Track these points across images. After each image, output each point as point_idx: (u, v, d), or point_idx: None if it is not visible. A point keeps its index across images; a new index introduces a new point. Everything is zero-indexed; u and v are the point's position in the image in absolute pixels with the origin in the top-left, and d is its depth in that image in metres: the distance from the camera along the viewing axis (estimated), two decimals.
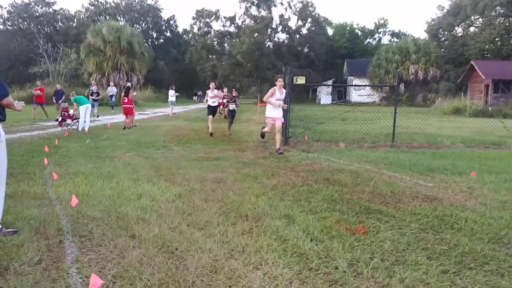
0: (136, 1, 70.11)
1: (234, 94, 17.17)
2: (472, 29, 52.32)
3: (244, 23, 55.93)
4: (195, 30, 59.17)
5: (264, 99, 9.91)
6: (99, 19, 58.01)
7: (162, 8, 77.01)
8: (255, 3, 55.84)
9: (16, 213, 4.47)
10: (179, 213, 4.67)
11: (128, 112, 15.31)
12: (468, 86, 38.39)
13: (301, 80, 13.35)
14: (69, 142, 10.71)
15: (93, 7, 67.44)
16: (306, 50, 57.36)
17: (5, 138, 4.02)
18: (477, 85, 36.13)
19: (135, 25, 63.75)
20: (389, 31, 73.41)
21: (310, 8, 55.59)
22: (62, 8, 66.09)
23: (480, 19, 50.48)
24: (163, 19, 73.24)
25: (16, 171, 6.73)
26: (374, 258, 3.51)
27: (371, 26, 73.87)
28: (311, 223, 4.36)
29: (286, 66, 14.06)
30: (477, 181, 6.72)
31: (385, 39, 71.75)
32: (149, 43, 66.98)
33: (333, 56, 63.85)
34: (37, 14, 62.54)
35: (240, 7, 73.88)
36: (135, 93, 16.67)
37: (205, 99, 13.78)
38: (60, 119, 15.03)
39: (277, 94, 9.77)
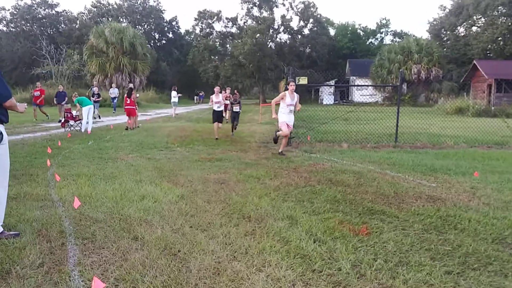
0: (139, 3, 70.30)
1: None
2: (474, 28, 52.19)
3: (246, 24, 55.94)
4: (197, 31, 59.26)
5: (272, 102, 9.69)
6: (101, 21, 58.28)
7: (164, 10, 76.99)
8: (257, 4, 55.87)
9: (18, 215, 4.47)
10: (182, 214, 4.66)
11: (130, 113, 15.33)
12: (471, 86, 38.30)
13: (303, 81, 13.34)
14: (72, 144, 10.73)
15: (95, 9, 67.70)
16: (308, 50, 57.33)
17: (8, 140, 4.02)
18: (480, 84, 36.03)
19: (137, 26, 63.86)
20: (391, 31, 73.42)
21: (312, 9, 55.57)
22: (64, 10, 66.45)
23: (483, 19, 50.36)
24: (165, 21, 73.40)
25: (19, 173, 6.74)
26: (378, 259, 3.49)
27: (373, 26, 73.94)
28: (314, 224, 4.35)
29: (288, 66, 13.97)
30: (480, 181, 6.69)
31: (387, 39, 71.76)
32: (152, 44, 67.10)
33: (335, 56, 63.83)
34: (40, 16, 62.82)
35: (242, 8, 73.99)
36: (137, 94, 16.67)
37: (211, 103, 13.43)
38: (63, 120, 15.07)
39: (287, 99, 9.31)
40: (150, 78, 46.59)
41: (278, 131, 9.78)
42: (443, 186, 6.39)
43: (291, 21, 55.49)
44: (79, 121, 14.58)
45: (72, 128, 14.46)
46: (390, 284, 3.08)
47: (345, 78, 53.25)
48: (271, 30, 54.26)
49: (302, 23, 56.15)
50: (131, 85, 17.00)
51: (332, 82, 46.01)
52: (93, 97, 20.84)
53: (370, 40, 73.02)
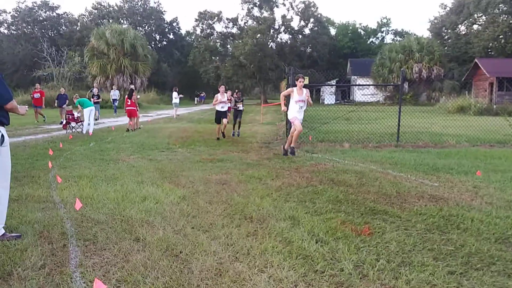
0: (139, 4, 70.44)
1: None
2: (475, 27, 52.11)
3: (246, 24, 55.95)
4: (198, 32, 59.28)
5: (281, 95, 9.45)
6: (102, 23, 58.38)
7: (164, 11, 77.25)
8: (257, 4, 55.87)
9: (20, 217, 4.47)
10: (184, 215, 4.65)
11: (131, 114, 15.34)
12: (473, 84, 38.22)
13: (304, 81, 13.31)
14: (73, 145, 10.74)
15: (96, 11, 67.82)
16: (309, 50, 57.32)
17: (9, 142, 4.03)
18: (482, 83, 35.96)
19: (138, 28, 64.02)
20: (392, 30, 73.33)
21: (312, 8, 55.55)
22: (65, 12, 66.71)
23: (484, 17, 50.27)
24: (166, 22, 73.50)
25: (20, 175, 6.75)
26: (380, 259, 3.47)
27: (374, 25, 73.88)
28: (316, 224, 4.33)
29: (289, 66, 13.88)
30: (483, 180, 6.67)
31: (388, 38, 71.71)
32: (152, 46, 67.18)
33: (336, 56, 63.80)
34: (40, 18, 63.00)
35: (243, 9, 73.92)
36: (138, 95, 16.66)
37: (215, 102, 12.58)
38: (64, 122, 15.09)
39: (295, 96, 8.84)
40: (151, 79, 46.66)
41: (285, 144, 9.49)
42: (445, 185, 6.37)
43: (292, 21, 55.55)
44: (80, 123, 14.60)
45: (73, 130, 14.48)
46: (392, 284, 3.07)
47: (346, 78, 53.25)
48: (271, 30, 54.26)
49: (302, 23, 56.16)
50: (132, 86, 17.01)
51: (333, 82, 45.96)
52: (92, 98, 20.86)
53: (371, 39, 72.98)
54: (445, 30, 56.58)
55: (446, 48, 52.32)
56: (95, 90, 22.30)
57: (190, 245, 3.76)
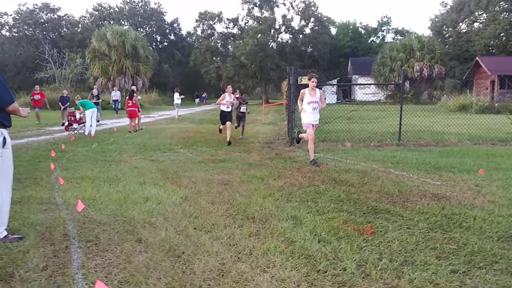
0: (140, 5, 70.53)
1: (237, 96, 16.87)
2: (476, 25, 51.95)
3: (247, 24, 55.90)
4: (199, 32, 59.26)
5: (299, 108, 8.54)
6: (103, 24, 58.45)
7: (165, 12, 77.35)
8: (257, 4, 55.81)
9: (22, 218, 4.48)
10: (186, 216, 4.65)
11: (132, 115, 15.34)
12: (474, 83, 38.11)
13: (305, 80, 13.30)
14: (75, 147, 10.75)
15: (97, 12, 67.92)
16: (309, 49, 57.23)
17: (12, 144, 4.03)
18: (483, 81, 35.86)
19: (139, 29, 64.12)
20: (393, 29, 73.17)
21: (313, 8, 55.47)
22: (66, 14, 66.65)
23: (484, 15, 50.12)
24: (166, 23, 73.58)
25: (23, 176, 6.76)
26: (383, 258, 3.47)
27: (374, 24, 73.71)
28: (319, 224, 4.33)
29: (290, 66, 13.83)
30: (485, 179, 6.66)
31: (389, 37, 71.56)
32: (153, 47, 67.28)
33: (337, 55, 63.72)
34: (42, 20, 63.11)
35: (243, 9, 73.78)
36: (139, 96, 16.65)
37: (220, 101, 12.41)
38: (66, 123, 15.11)
39: (307, 97, 8.25)
40: (152, 80, 46.72)
41: (300, 132, 9.04)
42: (447, 184, 6.36)
43: (292, 20, 55.44)
44: (82, 124, 14.62)
45: (75, 131, 14.50)
46: (395, 283, 3.06)
47: (347, 77, 53.17)
48: (272, 30, 54.19)
49: (303, 22, 56.06)
50: (133, 87, 17.04)
51: (335, 81, 45.93)
52: (92, 99, 20.85)
53: (371, 38, 72.85)
54: (446, 28, 56.43)
55: (447, 46, 52.19)
56: (94, 91, 22.31)
57: (193, 245, 3.76)
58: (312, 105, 8.23)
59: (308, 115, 8.33)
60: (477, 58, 36.63)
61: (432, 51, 43.05)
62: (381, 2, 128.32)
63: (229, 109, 12.17)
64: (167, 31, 74.40)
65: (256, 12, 56.26)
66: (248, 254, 3.59)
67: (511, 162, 8.26)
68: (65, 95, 19.51)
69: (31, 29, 62.29)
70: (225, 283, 3.07)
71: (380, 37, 72.74)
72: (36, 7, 62.78)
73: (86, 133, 14.04)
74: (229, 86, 12.58)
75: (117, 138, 13.07)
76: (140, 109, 16.77)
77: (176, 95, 24.71)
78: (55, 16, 64.69)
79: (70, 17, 66.55)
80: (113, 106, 27.90)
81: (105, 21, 63.76)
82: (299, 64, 46.39)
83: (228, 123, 11.85)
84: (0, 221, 3.87)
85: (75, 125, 14.63)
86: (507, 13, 46.97)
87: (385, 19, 72.92)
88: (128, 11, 68.76)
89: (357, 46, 67.66)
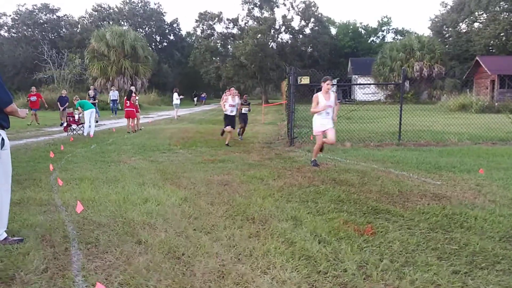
0: (139, 6, 70.51)
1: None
2: (476, 25, 51.93)
3: (247, 24, 55.87)
4: (198, 32, 59.21)
5: (312, 111, 7.93)
6: (102, 25, 58.44)
7: (165, 12, 77.36)
8: (257, 5, 55.79)
9: (22, 220, 4.46)
10: (185, 217, 4.64)
11: (129, 115, 15.32)
12: (474, 82, 38.09)
13: (305, 80, 13.30)
14: (74, 147, 10.73)
15: (96, 13, 67.90)
16: (309, 50, 57.22)
17: (11, 145, 4.02)
18: (483, 81, 35.85)
19: (138, 29, 64.03)
20: (393, 29, 73.20)
21: (313, 8, 55.45)
22: (65, 15, 66.58)
23: (484, 15, 50.10)
24: (166, 23, 73.55)
25: (22, 178, 6.74)
26: (384, 259, 3.45)
27: (374, 25, 73.73)
28: (319, 224, 4.31)
29: (290, 66, 13.77)
30: (485, 178, 6.64)
31: (389, 37, 71.56)
32: (153, 47, 67.22)
33: (337, 55, 63.72)
34: (41, 21, 63.08)
35: (243, 9, 73.72)
36: (137, 97, 16.61)
37: (223, 104, 11.75)
38: (65, 124, 15.09)
39: (321, 101, 7.76)
40: (151, 80, 46.68)
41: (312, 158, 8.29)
42: (448, 183, 6.35)
43: (292, 21, 55.42)
44: (81, 125, 14.60)
45: (74, 132, 14.48)
46: (396, 284, 3.05)
47: (347, 77, 53.14)
48: (272, 30, 54.17)
49: (303, 22, 56.05)
50: (132, 88, 17.01)
51: (334, 81, 45.91)
52: (89, 100, 20.79)
53: (371, 38, 72.85)
54: (446, 28, 56.42)
55: (447, 46, 52.17)
56: (91, 92, 22.24)
57: (192, 247, 3.74)
58: (326, 109, 7.79)
59: (321, 120, 7.86)
60: (477, 58, 36.62)
61: (432, 51, 43.04)
62: (381, 2, 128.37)
63: (234, 113, 11.79)
64: (167, 31, 74.38)
65: (256, 12, 56.27)
66: (248, 255, 3.58)
67: None
68: (63, 95, 19.45)
69: (30, 29, 62.24)
70: (225, 284, 3.05)
71: (380, 37, 72.78)
72: (35, 7, 62.77)
73: (85, 133, 14.02)
74: (232, 88, 12.16)
75: (116, 138, 13.06)
76: (139, 109, 16.77)
77: (175, 95, 24.70)
78: (54, 16, 64.65)
79: (69, 18, 66.55)
80: (111, 106, 27.84)
81: (105, 22, 63.77)
82: (299, 64, 46.31)
83: (228, 127, 11.49)
84: None
85: (74, 126, 14.61)
86: (507, 13, 46.97)
87: (385, 19, 72.98)
88: (127, 11, 68.72)
89: (357, 46, 67.67)
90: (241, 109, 13.02)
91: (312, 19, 55.87)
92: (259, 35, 51.79)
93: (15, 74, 55.93)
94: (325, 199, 5.41)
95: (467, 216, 4.60)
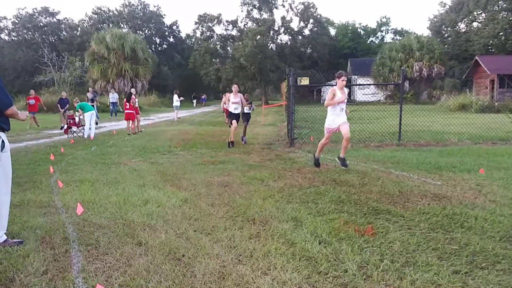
0: (139, 8, 70.58)
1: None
2: (475, 24, 51.95)
3: (246, 26, 55.96)
4: (198, 34, 59.27)
5: (326, 103, 7.58)
6: (102, 27, 58.49)
7: (164, 14, 77.30)
8: (256, 6, 55.87)
9: (22, 222, 4.46)
10: (186, 218, 4.64)
11: (129, 117, 15.33)
12: (473, 82, 38.09)
13: (305, 81, 13.32)
14: (75, 150, 10.74)
15: (96, 16, 68.01)
16: (309, 51, 57.26)
17: (11, 147, 4.02)
18: (483, 80, 35.85)
19: (138, 31, 64.14)
20: (392, 29, 73.22)
21: (312, 9, 55.49)
22: (65, 18, 66.86)
23: (483, 14, 50.12)
24: (165, 25, 73.62)
25: (22, 180, 6.75)
26: (384, 259, 3.45)
27: (373, 25, 73.85)
28: (319, 225, 4.31)
29: (290, 67, 13.75)
30: (486, 178, 6.64)
31: (388, 37, 71.61)
32: (153, 49, 67.31)
33: (336, 56, 63.74)
34: (41, 24, 63.19)
35: (242, 11, 74.03)
36: (136, 99, 16.60)
37: (223, 103, 11.90)
38: (65, 127, 15.10)
39: (337, 96, 7.50)
40: (152, 82, 46.71)
41: (315, 153, 8.07)
42: (448, 183, 6.34)
43: (291, 22, 55.48)
44: (81, 127, 14.60)
45: (74, 134, 14.49)
46: (397, 285, 3.04)
47: (346, 78, 53.13)
48: (271, 32, 54.23)
49: (302, 23, 56.11)
50: (132, 90, 17.02)
51: (334, 82, 45.92)
52: (88, 102, 20.78)
53: (370, 39, 72.89)
54: (445, 28, 56.45)
55: (446, 46, 52.17)
56: (89, 94, 22.22)
57: (193, 248, 3.74)
58: (341, 105, 7.53)
59: (335, 118, 7.54)
60: (476, 58, 36.63)
61: (431, 51, 43.04)
62: (380, 2, 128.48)
63: (238, 111, 11.52)
64: (166, 33, 74.45)
65: (255, 13, 56.37)
66: (248, 256, 3.58)
67: None
68: (63, 97, 19.41)
69: (30, 33, 62.37)
70: (226, 286, 3.05)
71: (379, 38, 72.83)
72: (35, 11, 62.94)
73: (86, 136, 14.02)
74: (235, 85, 11.90)
75: (117, 140, 13.06)
76: (139, 111, 16.78)
77: (175, 97, 24.74)
78: (55, 20, 64.77)
79: (69, 21, 66.71)
80: (111, 108, 27.83)
81: (104, 24, 63.85)
82: (298, 65, 46.35)
83: (234, 121, 11.37)
84: None
85: (74, 128, 14.61)
86: (506, 13, 46.99)
87: (384, 20, 73.01)
88: (127, 14, 68.80)
89: (356, 46, 67.70)
90: (243, 108, 12.57)
91: (311, 20, 55.94)
92: (258, 37, 51.86)
93: (16, 77, 56.05)
94: (326, 199, 5.41)
95: (467, 216, 4.60)
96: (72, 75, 40.22)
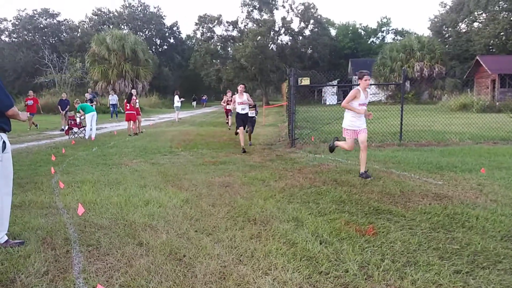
0: (139, 10, 70.69)
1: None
2: (476, 24, 51.94)
3: (246, 27, 56.03)
4: (198, 35, 59.39)
5: (343, 104, 7.01)
6: (102, 28, 58.59)
7: (165, 15, 77.63)
8: (257, 7, 55.94)
9: (23, 223, 4.46)
10: (187, 218, 4.64)
11: (130, 118, 15.35)
12: (474, 82, 38.05)
13: (305, 81, 13.33)
14: (76, 151, 10.74)
15: (96, 17, 68.11)
16: (309, 51, 57.32)
17: (12, 148, 4.02)
18: (484, 80, 35.82)
19: (138, 32, 64.23)
20: (393, 29, 73.22)
21: (312, 10, 55.55)
22: (66, 19, 66.85)
23: (484, 14, 50.11)
24: (166, 26, 73.73)
25: (23, 181, 6.75)
26: (385, 259, 3.45)
27: (374, 25, 73.77)
28: (320, 225, 4.31)
29: (290, 68, 13.73)
30: (487, 178, 6.63)
31: (389, 38, 71.60)
32: (153, 50, 67.39)
33: (337, 57, 63.77)
34: (41, 25, 63.30)
35: (242, 11, 73.89)
36: (137, 100, 16.60)
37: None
38: (66, 128, 15.11)
39: (361, 97, 6.98)
40: (152, 83, 46.74)
41: (337, 139, 7.65)
42: (449, 183, 6.34)
43: (292, 22, 55.54)
44: (82, 128, 14.61)
45: (76, 135, 14.50)
46: (398, 285, 3.04)
47: (347, 78, 53.15)
48: (272, 32, 54.30)
49: (302, 24, 56.17)
50: (133, 91, 17.03)
51: (335, 82, 45.95)
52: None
53: (371, 39, 72.88)
54: (446, 28, 56.43)
55: (447, 46, 52.17)
56: (87, 95, 22.19)
57: (194, 248, 3.74)
58: (363, 107, 7.00)
59: (355, 120, 6.99)
60: (477, 58, 36.59)
61: (432, 51, 43.03)
62: (380, 3, 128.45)
63: (245, 111, 10.92)
64: (167, 34, 74.54)
65: (255, 14, 56.45)
66: (249, 256, 3.57)
67: None
68: (64, 98, 19.38)
69: (30, 34, 62.49)
70: (226, 286, 3.05)
71: (380, 38, 72.83)
72: (35, 12, 63.03)
73: (87, 137, 14.03)
74: (241, 85, 11.22)
75: (118, 141, 13.07)
76: (140, 112, 16.79)
77: (176, 98, 24.78)
78: (55, 21, 64.88)
79: (69, 22, 66.78)
80: (111, 110, 27.83)
81: (105, 26, 63.91)
82: (299, 66, 46.40)
83: (241, 128, 10.79)
84: (0, 226, 3.85)
85: (75, 129, 14.63)
86: (507, 13, 46.97)
87: (385, 20, 73.02)
88: (127, 15, 68.92)
89: (357, 47, 67.70)
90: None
91: (312, 21, 56.00)
92: (259, 37, 51.91)
93: (16, 79, 56.15)
94: (327, 199, 5.41)
95: (468, 216, 4.59)
96: (73, 76, 40.27)
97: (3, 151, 3.81)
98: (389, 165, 8.04)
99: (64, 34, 65.19)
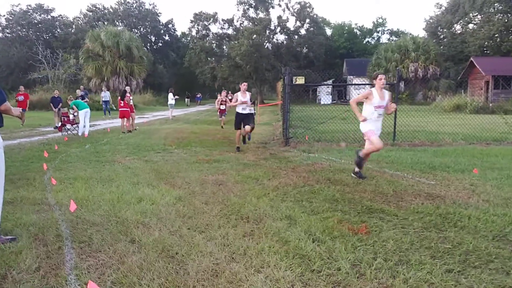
0: (134, 6, 70.36)
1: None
2: (471, 26, 52.26)
3: (242, 25, 55.94)
4: (194, 33, 59.16)
5: (351, 101, 6.79)
6: (97, 25, 58.17)
7: (160, 13, 77.16)
8: (253, 5, 55.88)
9: (15, 219, 4.43)
10: (180, 216, 4.62)
11: (124, 115, 15.27)
12: (468, 83, 38.30)
13: (300, 81, 13.33)
14: (68, 147, 10.68)
15: (91, 13, 67.69)
16: (305, 50, 57.35)
17: (4, 144, 3.99)
18: (477, 81, 36.05)
19: (133, 29, 63.95)
20: (388, 30, 73.51)
21: (308, 9, 55.59)
22: (60, 15, 66.28)
23: (479, 16, 50.43)
24: (161, 23, 73.42)
25: (15, 177, 6.70)
26: (377, 258, 3.46)
27: (369, 26, 73.97)
28: (313, 223, 4.31)
29: (286, 67, 13.73)
30: (479, 178, 6.67)
31: (384, 38, 71.86)
32: (148, 47, 67.12)
33: (332, 56, 63.87)
34: (35, 21, 62.79)
35: (238, 10, 73.95)
36: (131, 96, 16.52)
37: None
38: (59, 125, 15.01)
39: (375, 99, 6.55)
40: (147, 81, 46.59)
41: (360, 151, 6.85)
42: (442, 183, 6.37)
43: (288, 21, 55.54)
44: (76, 125, 14.53)
45: (69, 132, 14.41)
46: (390, 283, 3.05)
47: (342, 78, 53.28)
48: (267, 31, 54.25)
49: (298, 23, 56.19)
50: (127, 88, 16.96)
51: (330, 82, 46.02)
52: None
53: (366, 39, 73.07)
54: (441, 30, 56.73)
55: (441, 47, 52.44)
56: (78, 91, 22.01)
57: (186, 246, 3.73)
58: (379, 110, 6.57)
59: (371, 123, 6.57)
60: (471, 59, 36.84)
61: (427, 52, 43.22)
62: (376, 3, 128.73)
63: (246, 111, 10.47)
64: (162, 31, 74.23)
65: (251, 13, 56.38)
66: (242, 254, 3.57)
67: (506, 161, 8.29)
68: (56, 96, 19.18)
69: (24, 29, 61.96)
70: (219, 283, 3.04)
71: (375, 38, 73.06)
72: (29, 7, 62.49)
73: (80, 133, 13.95)
74: (244, 84, 10.80)
75: (111, 138, 13.01)
76: (134, 109, 16.72)
77: (170, 95, 24.68)
78: (49, 17, 64.38)
79: (64, 18, 66.26)
80: (103, 107, 27.69)
81: (99, 22, 63.50)
82: (294, 65, 46.45)
83: (247, 127, 10.40)
84: None
85: (68, 126, 14.54)
86: (502, 15, 47.30)
87: (380, 20, 73.29)
88: (122, 12, 68.57)
89: (352, 47, 67.85)
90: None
91: (307, 20, 56.02)
92: (254, 36, 51.85)
93: (9, 74, 55.74)
94: (320, 198, 5.42)
95: (460, 216, 4.62)
96: (67, 73, 40.06)
97: None
98: (383, 164, 8.08)
99: (58, 30, 64.72)
